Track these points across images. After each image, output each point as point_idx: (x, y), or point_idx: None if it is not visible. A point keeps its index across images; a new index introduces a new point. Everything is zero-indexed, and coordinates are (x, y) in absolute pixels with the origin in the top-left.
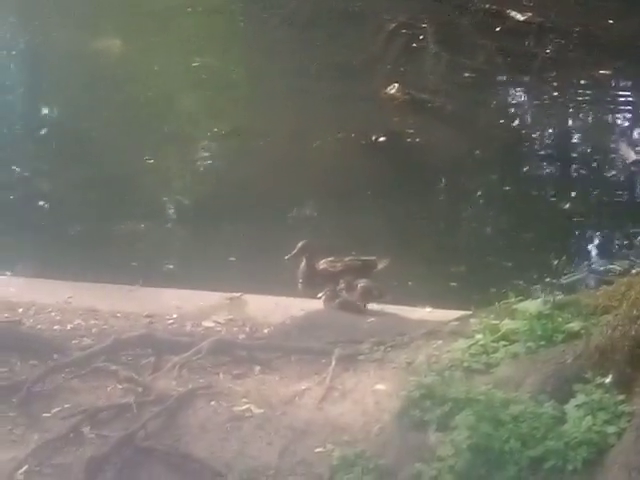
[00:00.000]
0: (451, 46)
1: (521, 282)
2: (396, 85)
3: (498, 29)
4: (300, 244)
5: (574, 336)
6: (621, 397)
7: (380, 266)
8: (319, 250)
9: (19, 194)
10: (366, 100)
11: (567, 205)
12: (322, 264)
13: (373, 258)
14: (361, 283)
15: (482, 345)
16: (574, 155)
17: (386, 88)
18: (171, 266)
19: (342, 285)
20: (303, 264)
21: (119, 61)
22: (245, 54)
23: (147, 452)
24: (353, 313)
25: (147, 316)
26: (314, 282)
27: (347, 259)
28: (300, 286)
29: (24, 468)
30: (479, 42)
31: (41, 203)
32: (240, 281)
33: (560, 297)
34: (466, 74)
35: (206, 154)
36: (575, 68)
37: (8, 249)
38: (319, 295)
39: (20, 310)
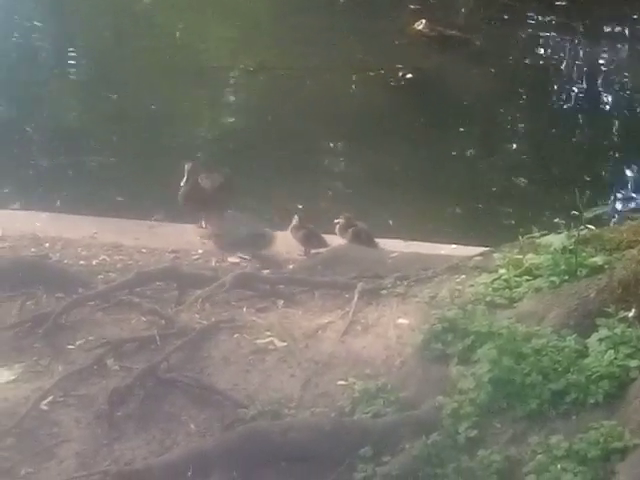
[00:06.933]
0: None
1: (545, 217)
2: (424, 21)
3: None
4: (187, 167)
5: (598, 270)
6: None
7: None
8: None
9: (44, 129)
10: (393, 36)
11: (592, 139)
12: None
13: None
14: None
15: (505, 280)
16: (602, 90)
17: (414, 24)
18: None
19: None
20: (187, 185)
21: None
22: None
23: (170, 384)
24: None
25: (172, 252)
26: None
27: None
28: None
29: (49, 398)
30: None
31: (66, 138)
32: (263, 218)
33: (584, 232)
34: (495, 10)
35: (234, 90)
36: (605, 3)
37: (33, 184)
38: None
39: (46, 245)
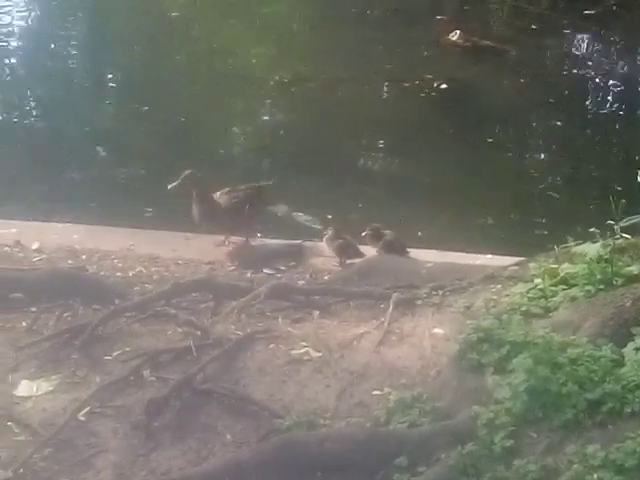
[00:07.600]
0: None
1: (580, 226)
2: (458, 32)
3: None
4: (184, 173)
5: (633, 279)
6: None
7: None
8: (206, 181)
9: (81, 142)
10: (427, 47)
11: (628, 148)
12: (220, 196)
13: (265, 183)
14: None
15: (541, 289)
16: (637, 99)
17: (448, 35)
18: None
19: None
20: (196, 199)
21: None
22: (308, 2)
23: (206, 394)
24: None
25: (208, 263)
26: (214, 216)
27: (243, 187)
28: (199, 222)
29: (86, 409)
30: None
31: (103, 150)
32: (300, 229)
33: (619, 240)
34: (529, 20)
35: (269, 101)
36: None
37: (70, 196)
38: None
39: (83, 257)
